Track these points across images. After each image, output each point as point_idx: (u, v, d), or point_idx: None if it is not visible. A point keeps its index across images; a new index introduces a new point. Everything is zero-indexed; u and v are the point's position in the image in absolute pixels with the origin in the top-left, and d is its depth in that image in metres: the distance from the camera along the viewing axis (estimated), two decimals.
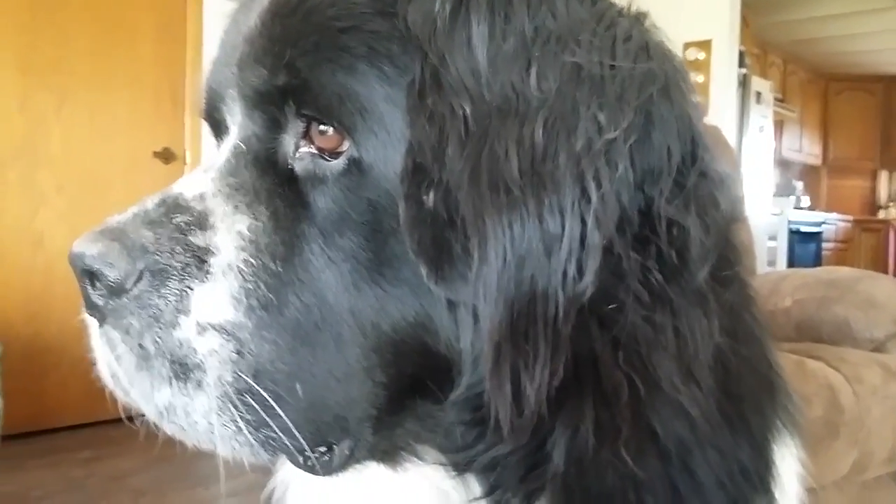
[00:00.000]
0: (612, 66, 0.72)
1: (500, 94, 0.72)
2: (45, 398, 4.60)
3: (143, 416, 0.82)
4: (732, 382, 0.85)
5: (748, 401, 0.89)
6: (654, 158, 0.73)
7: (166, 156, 5.18)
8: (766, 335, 0.97)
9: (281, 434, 0.77)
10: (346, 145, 0.79)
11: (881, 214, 12.25)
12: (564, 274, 0.70)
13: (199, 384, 0.76)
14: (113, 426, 4.39)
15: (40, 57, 4.64)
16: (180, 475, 3.87)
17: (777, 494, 0.90)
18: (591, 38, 0.74)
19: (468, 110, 0.72)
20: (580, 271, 0.70)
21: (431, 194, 0.73)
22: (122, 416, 0.85)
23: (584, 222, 0.69)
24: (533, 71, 0.72)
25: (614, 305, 0.74)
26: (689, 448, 0.80)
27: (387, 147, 0.78)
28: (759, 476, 0.88)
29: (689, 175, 0.74)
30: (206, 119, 0.96)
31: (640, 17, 0.81)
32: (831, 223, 11.14)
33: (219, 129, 0.93)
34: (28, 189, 4.67)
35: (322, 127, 0.80)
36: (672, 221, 0.74)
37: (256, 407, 0.76)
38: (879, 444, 2.50)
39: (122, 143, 5.01)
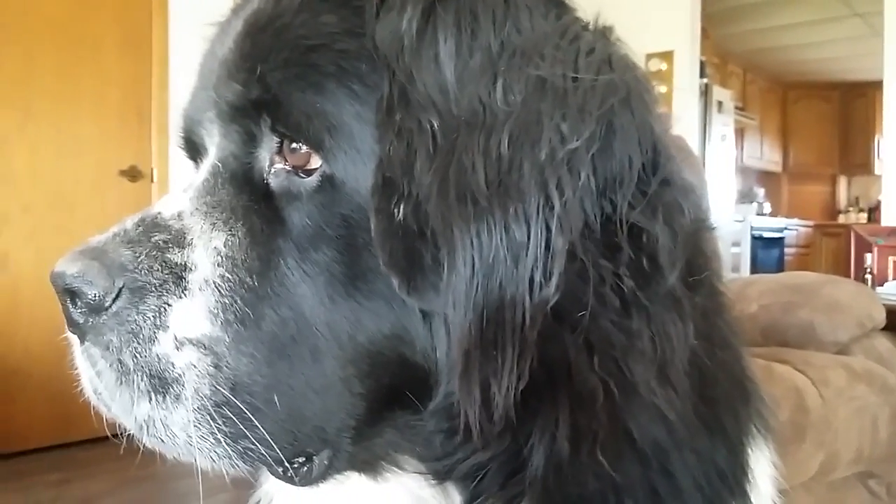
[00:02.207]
0: (575, 79, 0.74)
1: (467, 108, 0.74)
2: (11, 421, 4.52)
3: (124, 433, 0.83)
4: (708, 386, 0.86)
5: (723, 404, 0.89)
6: (616, 166, 0.74)
7: (133, 174, 5.13)
8: (738, 341, 0.98)
9: (259, 445, 0.78)
10: (318, 162, 0.81)
11: (841, 219, 12.46)
12: (531, 280, 0.71)
13: (177, 397, 0.77)
14: (82, 448, 4.34)
15: (2, 74, 4.58)
16: (153, 497, 3.83)
17: (752, 497, 0.91)
18: (555, 51, 0.76)
19: (436, 125, 0.74)
20: (546, 277, 0.71)
21: (402, 207, 0.75)
22: (102, 434, 0.85)
23: (548, 229, 0.71)
24: (499, 85, 0.74)
25: (584, 312, 0.75)
26: (667, 451, 0.81)
27: (357, 164, 0.79)
28: (736, 479, 0.89)
29: (650, 182, 0.76)
30: (183, 146, 0.98)
31: (605, 32, 0.82)
32: (793, 228, 11.30)
33: (197, 153, 0.95)
34: None
35: (294, 145, 0.82)
36: (638, 228, 0.76)
37: (234, 419, 0.77)
38: (845, 445, 2.51)
39: (88, 162, 4.95)
